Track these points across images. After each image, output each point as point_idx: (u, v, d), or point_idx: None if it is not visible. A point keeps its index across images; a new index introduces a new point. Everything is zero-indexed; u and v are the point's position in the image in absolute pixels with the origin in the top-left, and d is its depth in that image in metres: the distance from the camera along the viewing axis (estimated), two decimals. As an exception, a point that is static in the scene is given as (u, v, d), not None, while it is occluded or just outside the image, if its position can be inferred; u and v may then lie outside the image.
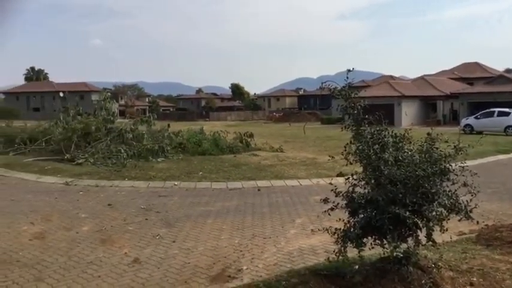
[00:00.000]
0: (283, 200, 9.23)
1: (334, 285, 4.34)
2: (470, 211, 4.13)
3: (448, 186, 4.17)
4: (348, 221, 4.33)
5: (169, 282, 4.81)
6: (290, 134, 30.65)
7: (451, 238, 5.17)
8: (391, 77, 66.46)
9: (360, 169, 4.38)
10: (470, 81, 52.62)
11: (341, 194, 4.34)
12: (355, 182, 4.32)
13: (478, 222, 4.54)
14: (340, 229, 4.32)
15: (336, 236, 4.30)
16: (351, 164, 4.35)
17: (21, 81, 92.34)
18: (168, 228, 6.95)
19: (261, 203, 8.87)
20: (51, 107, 61.51)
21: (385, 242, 4.18)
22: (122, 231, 6.79)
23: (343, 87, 4.45)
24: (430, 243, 4.20)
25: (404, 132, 4.46)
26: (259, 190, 10.27)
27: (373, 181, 4.20)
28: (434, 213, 4.00)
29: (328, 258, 4.54)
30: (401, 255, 4.24)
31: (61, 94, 64.89)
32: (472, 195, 4.15)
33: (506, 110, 29.77)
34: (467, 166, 4.22)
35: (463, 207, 4.10)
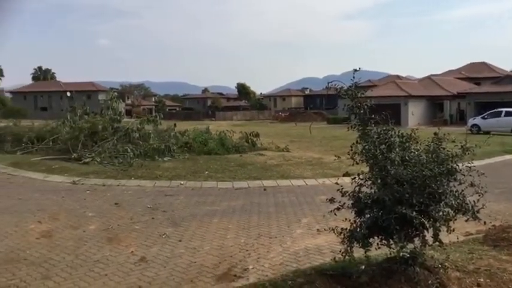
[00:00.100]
0: (289, 199, 9.22)
1: (340, 285, 4.33)
2: (478, 211, 4.11)
3: (455, 187, 4.15)
4: (354, 221, 4.32)
5: (175, 281, 4.82)
6: (296, 133, 30.55)
7: (457, 238, 5.14)
8: (398, 76, 66.19)
9: (366, 169, 4.36)
10: (477, 81, 52.28)
11: (347, 194, 4.33)
12: (362, 181, 4.30)
13: (485, 222, 4.51)
14: (346, 229, 4.31)
15: (342, 236, 4.30)
16: (357, 163, 4.35)
17: (28, 80, 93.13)
18: (174, 228, 6.97)
19: (267, 203, 8.86)
20: (59, 107, 61.91)
21: (391, 242, 4.17)
22: (129, 230, 6.82)
23: (350, 86, 4.44)
24: (437, 243, 4.18)
25: (411, 132, 4.44)
26: (265, 190, 10.26)
27: (379, 181, 4.18)
28: (441, 213, 3.98)
29: (334, 258, 4.54)
30: (408, 255, 4.23)
31: (68, 94, 65.38)
32: (479, 196, 4.12)
33: (514, 110, 29.60)
34: (474, 166, 4.20)
35: (470, 208, 4.08)
